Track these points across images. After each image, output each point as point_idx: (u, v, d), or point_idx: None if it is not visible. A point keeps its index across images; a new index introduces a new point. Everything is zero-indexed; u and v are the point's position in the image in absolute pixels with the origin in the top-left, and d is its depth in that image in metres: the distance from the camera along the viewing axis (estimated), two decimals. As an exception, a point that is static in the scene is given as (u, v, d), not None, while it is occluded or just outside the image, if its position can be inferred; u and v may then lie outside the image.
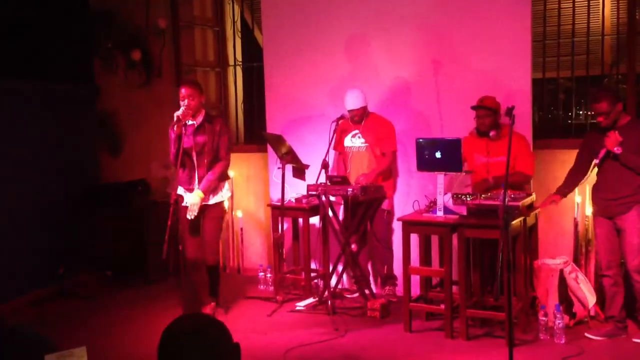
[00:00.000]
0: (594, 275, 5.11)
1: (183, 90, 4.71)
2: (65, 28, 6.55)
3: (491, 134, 4.90)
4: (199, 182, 4.70)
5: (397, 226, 5.45)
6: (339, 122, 5.37)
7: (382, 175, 5.39)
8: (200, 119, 4.71)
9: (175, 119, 4.61)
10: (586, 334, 4.54)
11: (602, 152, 4.43)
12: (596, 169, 4.58)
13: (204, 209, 4.77)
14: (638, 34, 5.34)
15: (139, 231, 6.48)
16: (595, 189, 4.65)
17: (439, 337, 4.64)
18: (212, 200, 4.79)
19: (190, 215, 4.68)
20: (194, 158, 4.71)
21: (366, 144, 5.44)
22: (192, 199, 4.68)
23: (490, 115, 4.87)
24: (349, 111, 5.37)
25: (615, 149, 4.35)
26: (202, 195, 4.66)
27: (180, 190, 4.81)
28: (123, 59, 6.90)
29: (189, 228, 4.81)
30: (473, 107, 4.91)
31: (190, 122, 4.71)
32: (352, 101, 5.35)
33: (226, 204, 5.29)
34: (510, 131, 3.75)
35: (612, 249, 4.55)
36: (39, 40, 6.25)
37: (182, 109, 4.62)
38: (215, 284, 5.10)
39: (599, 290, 4.79)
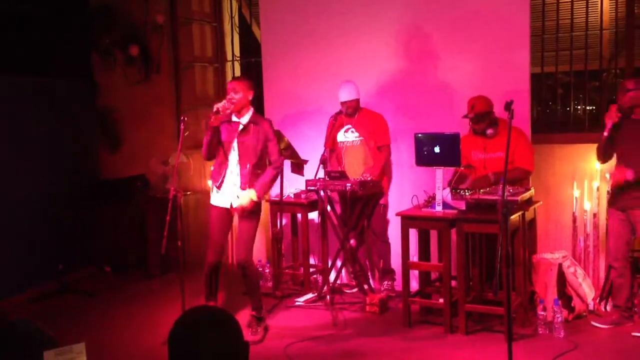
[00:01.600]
0: (593, 269, 5.13)
1: (229, 86, 4.59)
2: (64, 24, 6.54)
3: (488, 132, 4.88)
4: (243, 181, 4.51)
5: (392, 219, 5.46)
6: (337, 117, 5.37)
7: (384, 169, 5.39)
8: (246, 118, 4.56)
9: (214, 109, 4.44)
10: (592, 322, 4.59)
11: (609, 126, 4.44)
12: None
13: (238, 206, 4.61)
14: (636, 28, 5.35)
15: (139, 227, 6.50)
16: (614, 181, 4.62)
17: (438, 332, 4.65)
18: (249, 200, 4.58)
19: (238, 210, 4.54)
20: (230, 155, 4.57)
21: (360, 138, 5.43)
22: (242, 200, 4.50)
23: (484, 119, 4.85)
24: (342, 103, 5.36)
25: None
26: (254, 197, 4.49)
27: (214, 191, 4.68)
28: (121, 55, 6.90)
29: (216, 228, 4.66)
30: (465, 117, 4.88)
31: (235, 119, 4.57)
32: (346, 93, 5.35)
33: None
34: (509, 126, 3.75)
35: (621, 241, 4.56)
36: (39, 36, 6.25)
37: (223, 101, 4.47)
38: (253, 293, 4.76)
39: (606, 280, 4.83)
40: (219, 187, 4.65)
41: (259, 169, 4.59)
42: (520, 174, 4.85)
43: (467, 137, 4.96)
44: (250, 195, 4.51)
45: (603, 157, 4.65)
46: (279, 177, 4.91)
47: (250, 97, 4.61)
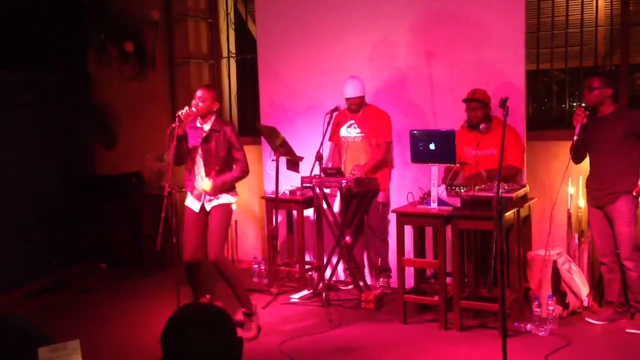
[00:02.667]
0: (587, 265, 5.15)
1: (197, 92, 4.63)
2: (60, 20, 6.52)
3: (481, 126, 4.90)
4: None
5: (392, 218, 5.46)
6: (334, 114, 5.37)
7: (377, 166, 5.39)
8: (208, 125, 4.61)
9: (176, 117, 4.48)
10: (587, 319, 4.61)
11: (578, 128, 4.48)
12: (588, 160, 4.63)
13: (210, 208, 4.68)
14: (631, 25, 5.36)
15: (134, 223, 6.48)
16: (588, 180, 4.72)
17: (433, 328, 4.66)
18: (218, 201, 4.66)
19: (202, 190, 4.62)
20: (197, 161, 4.64)
21: (362, 134, 5.44)
22: (203, 185, 4.61)
23: (481, 108, 4.88)
24: (346, 99, 5.37)
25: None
26: (210, 185, 4.58)
27: (189, 198, 4.74)
28: (116, 51, 6.88)
29: (190, 229, 4.69)
30: (465, 100, 4.91)
31: (199, 125, 4.62)
32: (351, 89, 5.35)
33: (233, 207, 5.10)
34: (504, 123, 3.75)
35: (604, 237, 4.62)
36: (35, 31, 6.22)
37: (185, 108, 4.52)
38: (234, 289, 4.70)
39: (599, 276, 4.86)
40: (191, 192, 4.71)
41: (224, 174, 4.64)
42: (511, 171, 4.87)
43: (460, 133, 4.97)
44: (208, 185, 4.59)
45: (576, 158, 4.71)
46: (245, 177, 4.81)
47: (214, 108, 4.62)
